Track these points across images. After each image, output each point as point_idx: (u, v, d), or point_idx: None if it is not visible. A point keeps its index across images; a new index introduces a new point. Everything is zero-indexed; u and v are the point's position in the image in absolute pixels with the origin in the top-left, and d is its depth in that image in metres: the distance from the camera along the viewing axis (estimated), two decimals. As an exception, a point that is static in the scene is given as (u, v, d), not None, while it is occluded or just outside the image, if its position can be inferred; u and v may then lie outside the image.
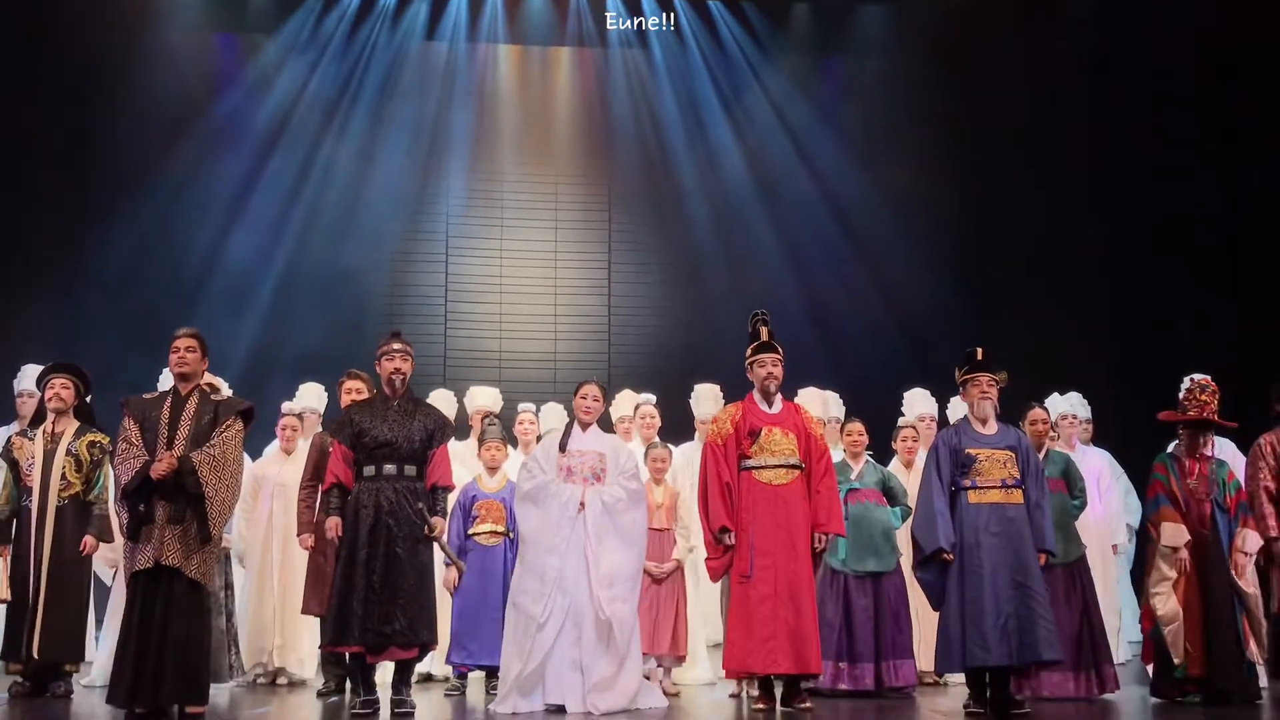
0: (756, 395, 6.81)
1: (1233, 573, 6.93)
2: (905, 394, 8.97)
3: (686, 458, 8.36)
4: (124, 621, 6.06)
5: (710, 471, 6.67)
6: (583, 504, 6.52)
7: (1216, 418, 7.16)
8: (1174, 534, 6.98)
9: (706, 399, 8.72)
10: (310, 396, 8.63)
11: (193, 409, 6.17)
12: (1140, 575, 7.36)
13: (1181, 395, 7.32)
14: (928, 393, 8.86)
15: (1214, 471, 7.13)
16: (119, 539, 6.70)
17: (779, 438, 6.66)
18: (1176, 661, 6.84)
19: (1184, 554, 6.92)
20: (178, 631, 5.94)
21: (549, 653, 6.33)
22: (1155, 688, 7.03)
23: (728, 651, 6.63)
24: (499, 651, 7.08)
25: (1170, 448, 7.59)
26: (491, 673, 7.31)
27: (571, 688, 6.29)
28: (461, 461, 7.86)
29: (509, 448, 7.99)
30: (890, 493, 7.68)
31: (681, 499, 7.70)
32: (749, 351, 6.87)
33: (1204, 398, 7.18)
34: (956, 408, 8.40)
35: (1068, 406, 9.27)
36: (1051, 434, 8.66)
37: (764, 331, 6.88)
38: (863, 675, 7.28)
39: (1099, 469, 9.23)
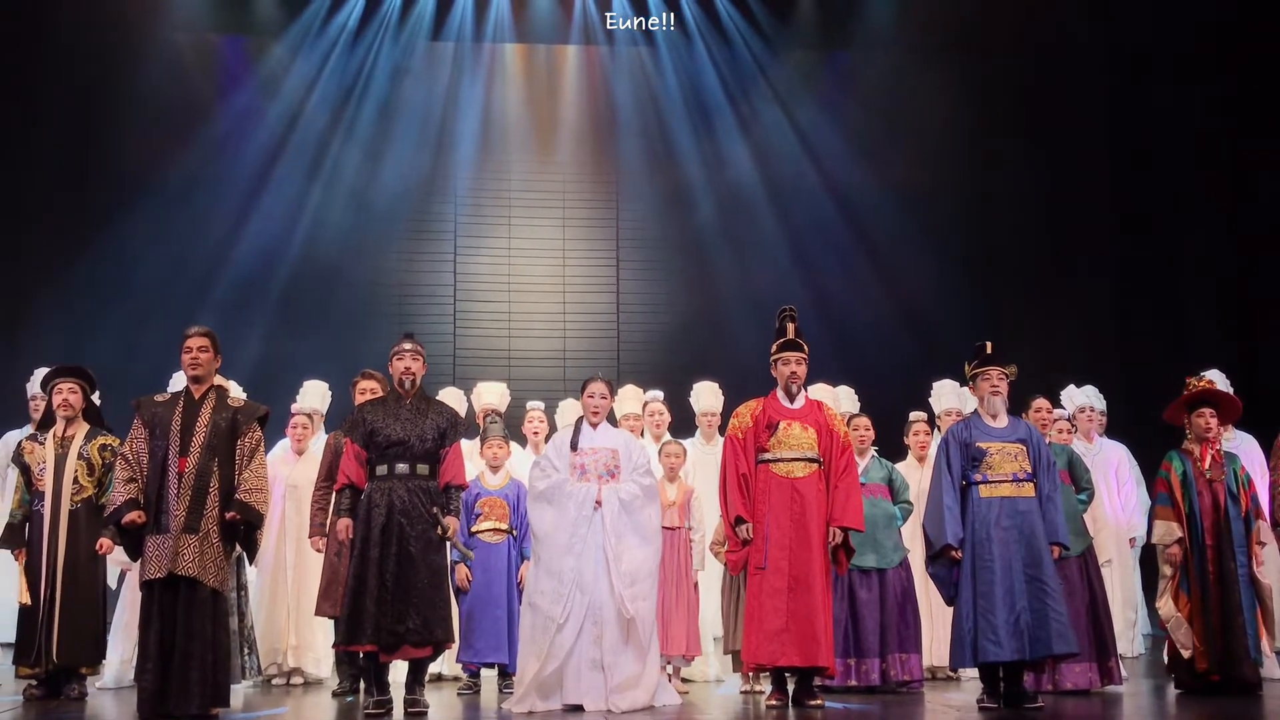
0: (779, 391, 6.78)
1: (1251, 564, 6.95)
2: (935, 384, 8.74)
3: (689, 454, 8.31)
4: (143, 630, 6.08)
5: (729, 464, 6.66)
6: (599, 502, 6.47)
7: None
8: (1164, 532, 7.07)
9: (706, 395, 8.72)
10: (314, 395, 8.53)
11: (208, 414, 6.18)
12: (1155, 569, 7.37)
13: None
14: (957, 384, 8.54)
15: (1227, 461, 7.15)
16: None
17: (797, 432, 6.63)
18: (1185, 655, 6.90)
19: (1175, 550, 7.01)
20: (201, 639, 5.97)
21: (569, 653, 6.28)
22: (1176, 679, 7.06)
23: (744, 646, 6.63)
24: (504, 649, 7.07)
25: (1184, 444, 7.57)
26: (502, 671, 7.32)
27: (591, 687, 6.25)
28: (469, 459, 7.84)
29: (512, 445, 7.96)
30: (893, 489, 7.67)
31: (695, 496, 7.69)
32: (774, 348, 6.81)
33: (1202, 384, 7.28)
34: (966, 401, 8.31)
35: (1085, 399, 9.20)
36: (1069, 427, 8.62)
37: (790, 329, 6.82)
38: (869, 670, 7.26)
39: (1117, 461, 9.18)
